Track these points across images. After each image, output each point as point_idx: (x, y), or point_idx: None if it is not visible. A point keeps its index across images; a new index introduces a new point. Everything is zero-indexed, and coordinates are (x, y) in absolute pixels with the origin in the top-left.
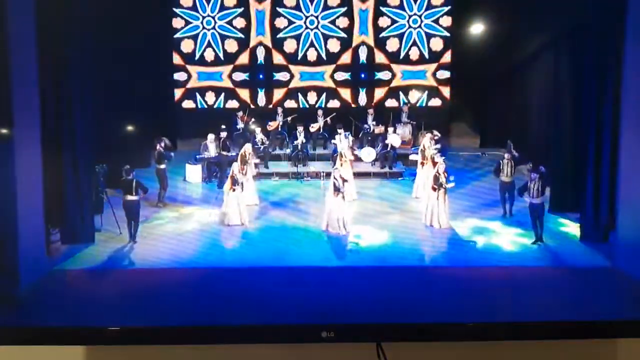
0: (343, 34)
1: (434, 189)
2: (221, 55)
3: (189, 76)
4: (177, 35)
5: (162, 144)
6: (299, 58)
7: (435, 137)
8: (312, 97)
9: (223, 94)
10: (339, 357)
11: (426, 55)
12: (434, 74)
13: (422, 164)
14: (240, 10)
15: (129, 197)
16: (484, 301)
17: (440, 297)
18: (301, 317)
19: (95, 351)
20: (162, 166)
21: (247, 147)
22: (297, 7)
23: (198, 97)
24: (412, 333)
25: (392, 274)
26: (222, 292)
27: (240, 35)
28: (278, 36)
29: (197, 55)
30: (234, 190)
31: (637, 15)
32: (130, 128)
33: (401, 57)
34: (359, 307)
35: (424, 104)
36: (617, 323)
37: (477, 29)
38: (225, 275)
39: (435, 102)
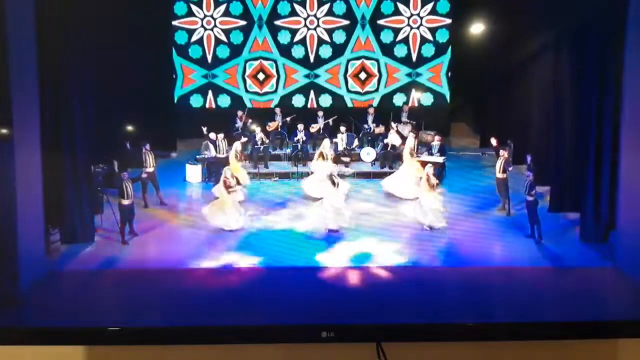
0: (343, 34)
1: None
2: (221, 54)
3: (189, 76)
4: (177, 37)
5: (147, 147)
6: (298, 58)
7: (433, 142)
8: (311, 97)
9: (223, 94)
10: (339, 357)
11: (426, 54)
12: (433, 74)
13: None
14: (240, 8)
15: (123, 202)
16: (484, 301)
17: (440, 297)
18: (301, 317)
19: (95, 351)
20: (151, 169)
21: (237, 146)
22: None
23: (198, 97)
24: (412, 333)
25: (392, 274)
26: (222, 292)
27: (240, 34)
28: (278, 36)
29: (197, 55)
30: (229, 193)
31: (638, 15)
32: (130, 128)
33: (400, 56)
34: (359, 307)
35: (424, 104)
36: (617, 323)
37: (477, 28)
38: (225, 275)
39: (435, 102)
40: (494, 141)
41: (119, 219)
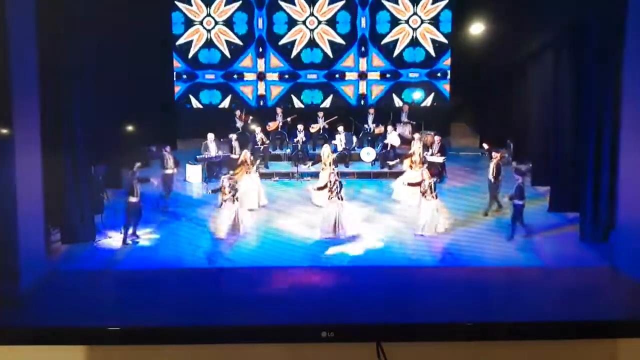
0: (344, 34)
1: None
2: (221, 55)
3: (189, 76)
4: (176, 35)
5: (167, 149)
6: (297, 59)
7: (433, 143)
8: (311, 97)
9: (223, 94)
10: (339, 357)
11: (426, 55)
12: (433, 74)
13: (411, 166)
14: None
15: (131, 199)
16: (484, 301)
17: (440, 297)
18: (301, 317)
19: (95, 351)
20: (170, 171)
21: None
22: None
23: (197, 96)
24: (412, 333)
25: (392, 274)
26: (222, 292)
27: (241, 35)
28: (276, 36)
29: (197, 56)
30: (233, 200)
31: (637, 15)
32: (130, 128)
33: (400, 57)
34: (359, 307)
35: (423, 104)
36: (617, 323)
37: (477, 28)
38: (225, 275)
39: (435, 101)
40: (485, 145)
41: (125, 218)
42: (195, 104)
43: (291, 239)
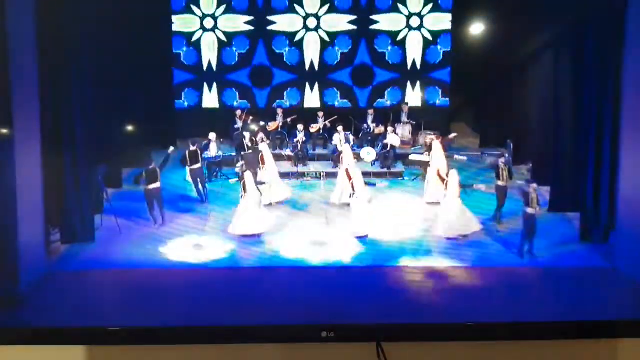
0: (346, 32)
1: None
2: (221, 56)
3: (188, 76)
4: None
5: (196, 146)
6: (297, 60)
7: (445, 143)
8: (312, 97)
9: (223, 94)
10: (339, 357)
11: (425, 54)
12: (433, 74)
13: (443, 180)
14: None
15: (154, 185)
16: (484, 301)
17: (440, 297)
18: (301, 317)
19: (95, 351)
20: (196, 166)
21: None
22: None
23: (197, 96)
24: (412, 333)
25: (392, 274)
26: (222, 292)
27: (242, 34)
28: (273, 33)
29: (198, 56)
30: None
31: (637, 16)
32: (130, 128)
33: (400, 58)
34: (359, 307)
35: (423, 104)
36: (617, 323)
37: (477, 28)
38: (226, 275)
39: (435, 101)
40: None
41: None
42: (205, 104)
43: (293, 240)
